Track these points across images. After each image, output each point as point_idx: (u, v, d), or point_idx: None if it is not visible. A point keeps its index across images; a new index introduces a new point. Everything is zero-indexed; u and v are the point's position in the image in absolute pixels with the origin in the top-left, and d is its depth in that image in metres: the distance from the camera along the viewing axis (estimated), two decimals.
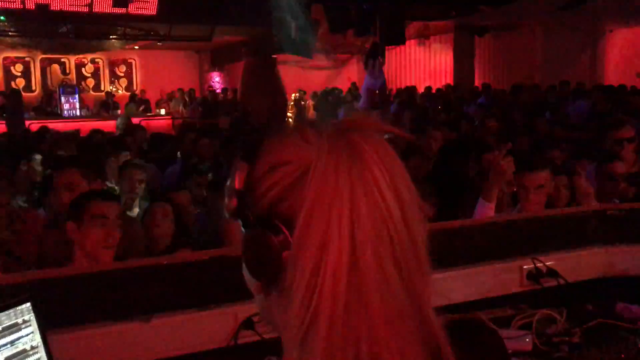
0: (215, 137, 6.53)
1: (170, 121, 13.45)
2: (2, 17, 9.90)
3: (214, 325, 1.91)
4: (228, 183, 0.74)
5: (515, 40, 15.20)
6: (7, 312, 1.56)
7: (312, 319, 0.62)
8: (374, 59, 10.83)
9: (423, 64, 16.75)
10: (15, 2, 9.18)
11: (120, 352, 1.80)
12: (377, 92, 10.53)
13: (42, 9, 9.35)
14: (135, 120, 11.72)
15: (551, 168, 3.02)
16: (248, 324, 1.93)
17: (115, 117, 11.36)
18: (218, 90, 16.55)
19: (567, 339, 1.98)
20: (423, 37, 16.30)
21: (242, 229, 0.72)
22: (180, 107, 15.29)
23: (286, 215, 0.67)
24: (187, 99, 15.48)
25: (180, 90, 15.88)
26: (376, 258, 0.63)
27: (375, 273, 0.63)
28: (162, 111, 15.23)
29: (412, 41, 15.89)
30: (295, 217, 0.65)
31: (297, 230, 0.64)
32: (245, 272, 0.74)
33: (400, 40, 10.63)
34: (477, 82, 14.83)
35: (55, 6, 9.49)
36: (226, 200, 0.73)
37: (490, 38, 15.39)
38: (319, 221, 0.63)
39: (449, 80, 15.54)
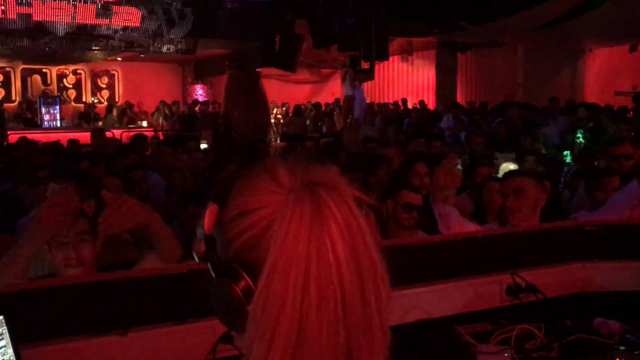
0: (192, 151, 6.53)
1: (152, 133, 13.38)
2: None
3: (192, 339, 1.89)
4: (198, 225, 0.73)
5: (497, 58, 15.43)
6: None
7: None
8: (353, 69, 10.94)
9: (406, 79, 16.91)
10: None
11: None
12: (355, 99, 10.63)
13: (24, 18, 9.29)
14: (116, 133, 11.65)
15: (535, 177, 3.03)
16: (226, 338, 1.91)
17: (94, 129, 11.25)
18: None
19: (545, 354, 1.98)
20: (406, 53, 16.47)
21: (212, 273, 0.71)
22: (161, 120, 15.22)
23: (253, 264, 0.66)
24: (167, 112, 15.41)
25: (163, 102, 15.82)
26: (320, 323, 0.62)
27: (319, 339, 0.62)
28: (144, 123, 15.14)
29: (396, 57, 16.04)
30: (261, 268, 0.64)
31: (258, 289, 0.63)
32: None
33: (383, 55, 10.71)
34: (459, 98, 14.99)
35: (37, 16, 9.43)
36: (195, 243, 0.73)
37: (472, 55, 15.60)
38: (277, 285, 0.62)
39: (432, 95, 15.69)
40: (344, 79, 14.36)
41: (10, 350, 1.58)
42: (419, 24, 12.34)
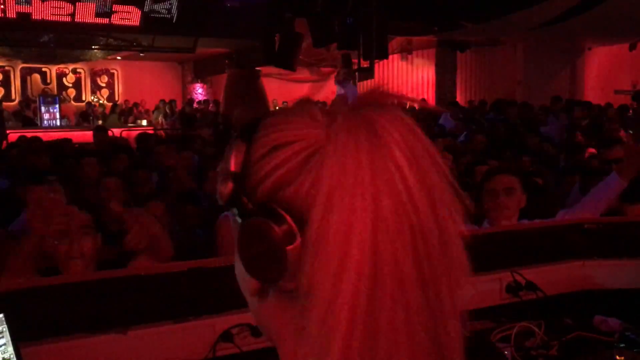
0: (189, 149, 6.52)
1: (152, 132, 13.40)
2: None
3: (192, 337, 1.89)
4: (221, 165, 0.64)
5: (497, 56, 15.44)
6: None
7: (328, 331, 0.55)
8: (346, 68, 10.95)
9: (406, 78, 16.91)
10: None
11: None
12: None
13: (24, 17, 9.28)
14: (116, 131, 11.65)
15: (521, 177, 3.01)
16: (227, 336, 1.91)
17: (95, 128, 11.27)
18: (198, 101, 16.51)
19: (545, 352, 1.99)
20: (406, 51, 16.47)
21: (238, 219, 0.61)
22: (161, 119, 15.22)
23: (290, 202, 0.58)
24: (167, 111, 15.42)
25: (162, 101, 15.83)
26: (395, 259, 0.55)
27: (394, 277, 0.55)
28: (144, 122, 15.15)
29: (395, 55, 16.04)
30: (301, 204, 0.57)
31: (314, 221, 0.55)
32: (239, 271, 0.64)
33: (383, 54, 10.71)
34: (459, 97, 14.99)
35: (36, 15, 9.42)
36: (219, 185, 0.63)
37: (471, 53, 15.60)
38: (340, 213, 0.54)
39: (432, 94, 15.69)
40: (337, 79, 14.41)
41: (10, 349, 1.58)
42: (419, 23, 12.34)
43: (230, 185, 0.61)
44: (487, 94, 14.74)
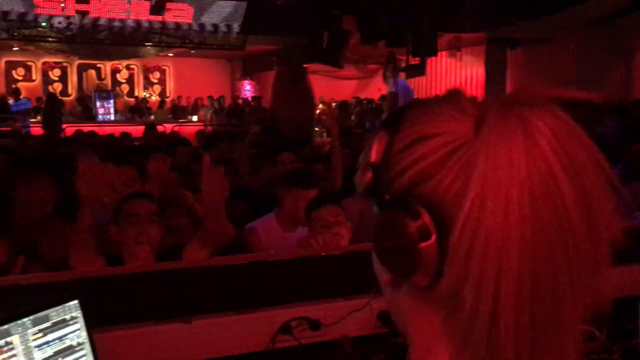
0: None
1: (202, 128, 13.64)
2: (43, 24, 10.18)
3: (252, 328, 1.94)
4: (363, 155, 0.63)
5: (548, 54, 15.06)
6: (56, 309, 1.61)
7: (495, 344, 0.53)
8: (392, 65, 10.86)
9: (454, 75, 16.69)
10: (57, 8, 9.44)
11: (161, 352, 1.84)
12: (398, 96, 10.56)
13: (82, 15, 9.61)
14: (168, 127, 11.93)
15: None
16: (286, 328, 1.96)
17: (147, 123, 11.56)
18: (248, 98, 16.72)
19: (607, 356, 1.95)
20: (454, 48, 16.24)
21: (375, 209, 0.61)
22: (210, 115, 15.48)
23: (428, 197, 0.56)
24: (217, 107, 15.68)
25: (210, 98, 16.10)
26: (552, 267, 0.53)
27: (550, 286, 0.53)
28: (194, 118, 15.44)
29: (444, 53, 15.84)
30: (440, 200, 0.56)
31: (463, 220, 0.53)
32: (375, 260, 0.64)
33: (432, 51, 10.61)
34: None
35: (94, 13, 9.73)
36: (359, 173, 0.63)
37: (522, 51, 15.27)
38: (495, 216, 0.52)
39: (480, 92, 15.44)
40: (384, 76, 14.34)
41: (84, 334, 1.66)
42: (469, 20, 12.16)
43: (369, 176, 0.61)
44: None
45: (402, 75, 11.19)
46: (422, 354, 0.61)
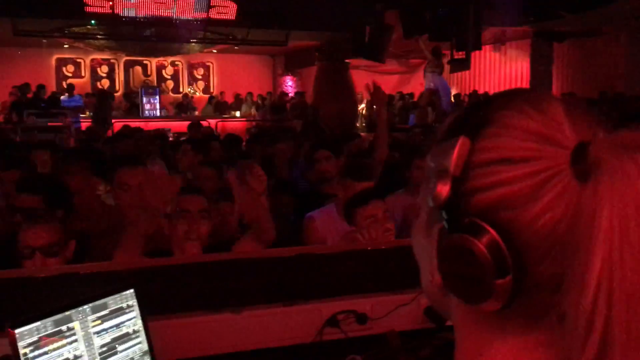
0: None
1: (244, 123, 13.80)
2: (92, 22, 10.47)
3: (300, 320, 1.97)
4: (435, 160, 0.56)
5: (597, 48, 14.64)
6: (113, 297, 1.67)
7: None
8: (437, 59, 10.74)
9: (498, 70, 16.41)
10: (105, 7, 9.69)
11: (211, 341, 1.89)
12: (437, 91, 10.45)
13: (130, 13, 9.84)
14: (212, 122, 12.12)
15: None
16: (333, 321, 1.98)
17: (192, 118, 11.77)
18: (291, 94, 16.82)
19: None
20: (499, 42, 15.96)
21: (444, 223, 0.55)
22: (253, 110, 15.63)
23: (509, 227, 0.51)
24: (259, 103, 15.83)
25: (250, 94, 16.26)
26: None
27: None
28: (237, 113, 15.63)
29: (487, 47, 15.59)
30: (522, 233, 0.51)
31: (589, 276, 0.47)
32: (422, 257, 0.61)
33: (476, 45, 10.45)
34: (555, 90, 14.36)
35: (141, 11, 9.95)
36: (433, 180, 0.55)
37: (569, 44, 14.88)
38: (628, 269, 0.46)
39: (525, 86, 15.12)
40: (425, 71, 14.19)
41: (140, 322, 1.72)
42: (514, 13, 11.92)
43: (446, 190, 0.54)
44: (585, 87, 14.04)
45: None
46: (473, 355, 0.58)
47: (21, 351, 1.44)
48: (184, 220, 2.32)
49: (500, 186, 0.52)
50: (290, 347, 1.94)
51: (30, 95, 13.35)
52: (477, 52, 13.64)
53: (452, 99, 14.50)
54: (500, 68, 16.43)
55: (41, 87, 13.70)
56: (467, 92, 15.65)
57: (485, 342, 0.57)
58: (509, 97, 0.57)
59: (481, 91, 15.98)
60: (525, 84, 15.28)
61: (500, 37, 15.59)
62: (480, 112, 0.56)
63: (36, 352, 1.47)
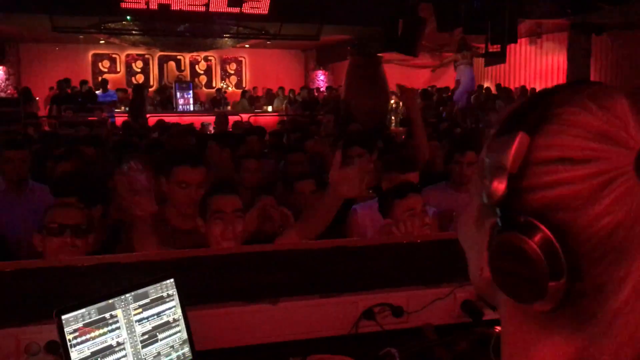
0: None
1: (276, 118, 13.87)
2: (128, 17, 10.63)
3: (336, 312, 1.98)
4: (491, 155, 0.55)
5: (637, 40, 14.25)
6: (154, 286, 1.71)
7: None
8: (466, 52, 10.58)
9: (534, 63, 16.12)
10: (140, 2, 9.82)
11: (248, 331, 1.91)
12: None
13: (164, 8, 9.95)
14: (244, 117, 12.21)
15: None
16: (369, 314, 1.98)
17: (224, 113, 11.87)
18: (322, 89, 16.83)
19: None
20: (535, 35, 15.67)
21: (497, 221, 0.54)
22: (284, 105, 15.70)
23: (566, 228, 0.50)
24: (291, 97, 15.88)
25: (282, 88, 16.32)
26: None
27: None
28: (270, 108, 15.71)
29: (523, 40, 15.32)
30: (577, 234, 0.50)
31: (620, 268, 0.49)
32: (472, 250, 0.60)
33: (512, 38, 10.26)
34: None
35: (175, 6, 10.05)
36: (490, 180, 0.53)
37: (608, 37, 14.52)
38: None
39: (562, 81, 14.85)
40: (456, 64, 14.02)
41: (179, 311, 1.75)
42: (551, 5, 11.68)
43: (503, 187, 0.52)
44: (624, 81, 13.69)
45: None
46: (519, 351, 0.58)
47: (67, 337, 1.48)
48: (220, 221, 2.29)
49: (559, 186, 0.51)
50: (326, 338, 1.95)
51: (69, 91, 13.67)
52: (512, 45, 13.44)
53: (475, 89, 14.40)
54: (536, 61, 16.14)
55: (83, 83, 14.01)
56: (503, 86, 15.42)
57: (532, 340, 0.56)
58: (572, 92, 0.54)
59: (517, 85, 15.73)
60: (562, 78, 14.99)
61: (537, 30, 15.31)
62: (541, 106, 0.54)
63: (81, 339, 1.51)
